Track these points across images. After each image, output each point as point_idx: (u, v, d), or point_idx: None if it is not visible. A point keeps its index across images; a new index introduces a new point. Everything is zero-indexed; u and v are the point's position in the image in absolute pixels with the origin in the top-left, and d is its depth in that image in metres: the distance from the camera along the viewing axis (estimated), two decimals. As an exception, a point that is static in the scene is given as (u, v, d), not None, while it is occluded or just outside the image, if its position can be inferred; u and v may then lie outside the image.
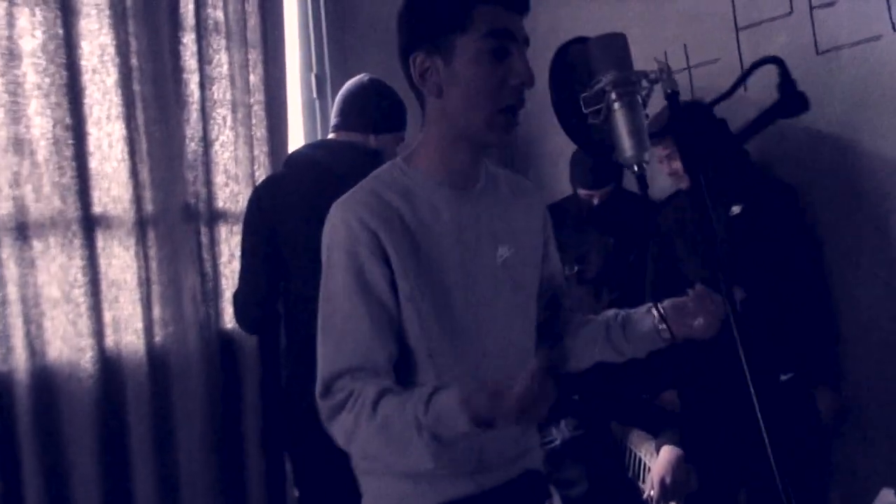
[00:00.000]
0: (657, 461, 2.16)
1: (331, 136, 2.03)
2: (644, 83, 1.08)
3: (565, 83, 1.13)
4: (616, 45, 1.09)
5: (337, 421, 1.08)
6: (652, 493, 2.13)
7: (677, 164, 2.13)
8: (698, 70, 2.53)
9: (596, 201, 2.46)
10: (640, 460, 2.28)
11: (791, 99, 0.95)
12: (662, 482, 2.10)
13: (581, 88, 1.10)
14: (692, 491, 2.17)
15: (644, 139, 1.08)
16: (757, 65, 0.96)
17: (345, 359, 1.09)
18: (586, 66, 1.10)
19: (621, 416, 2.38)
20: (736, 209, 2.09)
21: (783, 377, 2.06)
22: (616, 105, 1.07)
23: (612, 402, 2.34)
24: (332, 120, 2.02)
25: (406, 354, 1.13)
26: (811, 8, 2.27)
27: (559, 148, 2.54)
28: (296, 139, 2.51)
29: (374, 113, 1.96)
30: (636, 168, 1.08)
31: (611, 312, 1.34)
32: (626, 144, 1.07)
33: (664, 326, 1.23)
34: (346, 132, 1.99)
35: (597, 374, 2.20)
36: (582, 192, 2.48)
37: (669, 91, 1.07)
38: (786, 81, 0.95)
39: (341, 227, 1.11)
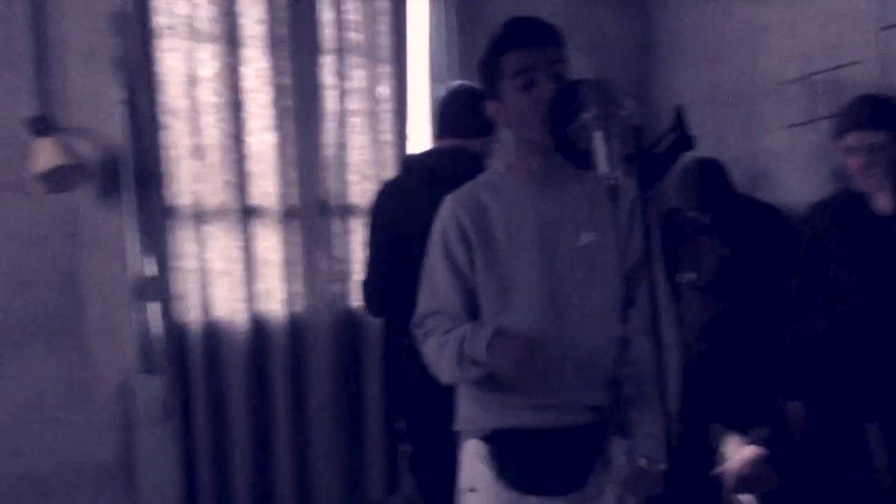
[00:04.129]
0: (737, 456, 2.55)
1: (436, 142, 2.59)
2: (620, 118, 1.59)
3: (562, 114, 1.64)
4: (601, 87, 1.60)
5: (425, 345, 1.72)
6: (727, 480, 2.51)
7: (859, 161, 2.34)
8: (844, 71, 2.84)
9: (707, 220, 2.84)
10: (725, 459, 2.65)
11: (687, 138, 1.43)
12: (737, 474, 2.51)
13: (573, 119, 1.61)
14: (770, 489, 2.54)
15: (616, 161, 1.57)
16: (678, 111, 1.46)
17: (434, 303, 1.72)
18: (578, 101, 1.61)
19: (715, 415, 2.73)
20: None
21: None
22: (595, 134, 1.57)
23: (706, 401, 2.69)
24: (434, 128, 2.56)
25: (481, 310, 1.72)
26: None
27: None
28: (424, 143, 3.15)
29: (470, 119, 2.41)
30: (608, 182, 1.58)
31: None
32: (601, 165, 1.56)
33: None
34: (450, 139, 2.51)
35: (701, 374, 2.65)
36: (690, 214, 2.87)
37: (635, 124, 1.57)
38: (681, 123, 1.44)
39: (441, 215, 1.74)
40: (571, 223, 1.69)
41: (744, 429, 2.63)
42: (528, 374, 1.52)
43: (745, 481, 2.50)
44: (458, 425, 1.78)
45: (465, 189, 1.76)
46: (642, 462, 1.64)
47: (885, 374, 2.37)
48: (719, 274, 2.87)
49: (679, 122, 1.48)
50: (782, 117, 3.09)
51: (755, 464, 2.50)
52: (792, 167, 3.09)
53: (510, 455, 1.68)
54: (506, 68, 1.66)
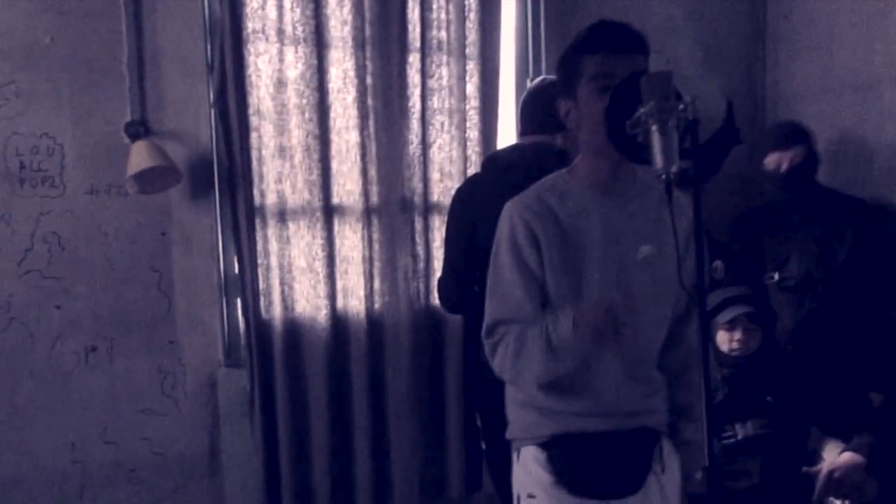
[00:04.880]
0: (834, 459, 2.44)
1: (520, 139, 2.57)
2: (677, 112, 1.53)
3: (621, 107, 1.59)
4: (660, 80, 1.55)
5: (496, 356, 1.69)
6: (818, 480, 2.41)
7: None
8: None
9: (785, 166, 2.71)
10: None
11: (734, 132, 1.35)
12: (830, 475, 2.40)
13: (632, 113, 1.57)
14: (868, 500, 2.42)
15: (672, 156, 1.51)
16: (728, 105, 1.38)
17: (504, 311, 1.68)
18: (638, 95, 1.57)
19: (815, 421, 2.63)
20: None
21: None
22: (653, 128, 1.52)
23: (807, 407, 2.61)
24: (519, 125, 2.56)
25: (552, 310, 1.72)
26: None
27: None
28: (510, 140, 3.13)
29: (553, 114, 2.35)
30: (664, 177, 1.52)
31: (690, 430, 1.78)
32: (657, 159, 1.51)
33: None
34: (534, 135, 2.50)
35: (798, 378, 2.55)
36: (771, 158, 2.73)
37: (691, 118, 1.51)
38: (731, 117, 1.36)
39: (508, 220, 1.71)
40: (633, 234, 1.68)
41: (845, 435, 2.52)
42: (609, 338, 1.49)
43: (838, 484, 2.38)
44: (513, 433, 1.79)
45: (530, 193, 1.74)
46: (699, 475, 1.69)
47: None
48: (808, 273, 2.76)
49: (729, 116, 1.40)
50: (900, 108, 2.92)
51: (851, 469, 2.38)
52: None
53: (569, 460, 1.69)
54: (586, 69, 1.64)
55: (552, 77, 2.46)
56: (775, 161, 2.74)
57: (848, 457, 2.41)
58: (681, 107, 1.49)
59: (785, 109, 3.42)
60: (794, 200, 2.80)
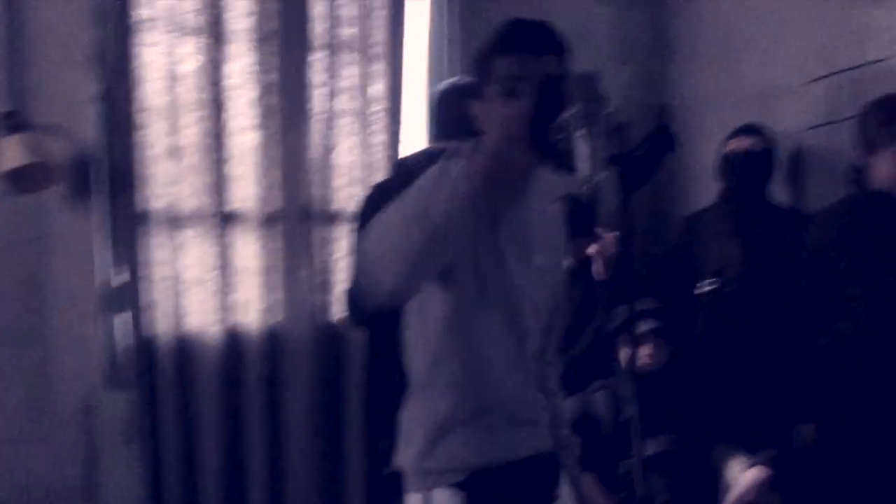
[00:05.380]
0: (741, 480, 2.43)
1: (431, 144, 2.49)
2: (604, 116, 1.44)
3: (543, 111, 1.50)
4: (585, 82, 1.46)
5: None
6: None
7: None
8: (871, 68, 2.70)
9: (743, 149, 2.82)
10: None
11: (668, 139, 1.28)
12: (739, 499, 2.41)
13: (554, 117, 1.48)
14: None
15: (598, 162, 1.43)
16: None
17: None
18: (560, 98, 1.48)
19: (721, 436, 2.63)
20: None
21: None
22: (577, 133, 1.44)
23: (712, 422, 2.62)
24: (431, 129, 2.47)
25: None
26: None
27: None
28: (420, 145, 3.03)
29: (465, 119, 2.34)
30: (587, 186, 1.44)
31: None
32: (582, 165, 1.43)
33: None
34: (446, 141, 2.43)
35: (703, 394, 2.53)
36: (731, 144, 2.85)
37: (619, 122, 1.43)
38: (664, 123, 1.29)
39: None
40: (531, 241, 1.63)
41: (751, 448, 2.53)
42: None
43: None
44: (422, 468, 1.61)
45: None
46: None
47: None
48: (742, 283, 2.75)
49: (662, 122, 1.34)
50: (802, 119, 2.96)
51: (759, 488, 2.41)
52: (810, 171, 2.96)
53: (487, 499, 1.58)
54: (497, 71, 1.54)
55: (463, 80, 2.41)
56: (734, 146, 2.83)
57: (751, 475, 2.43)
58: (609, 110, 1.42)
59: (688, 119, 3.43)
60: (741, 200, 2.81)
